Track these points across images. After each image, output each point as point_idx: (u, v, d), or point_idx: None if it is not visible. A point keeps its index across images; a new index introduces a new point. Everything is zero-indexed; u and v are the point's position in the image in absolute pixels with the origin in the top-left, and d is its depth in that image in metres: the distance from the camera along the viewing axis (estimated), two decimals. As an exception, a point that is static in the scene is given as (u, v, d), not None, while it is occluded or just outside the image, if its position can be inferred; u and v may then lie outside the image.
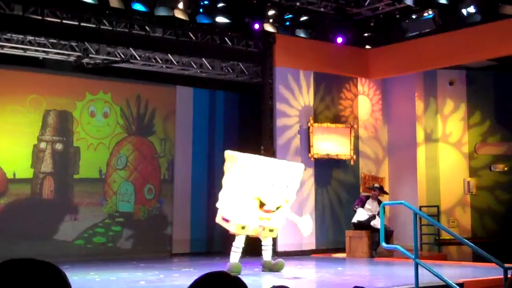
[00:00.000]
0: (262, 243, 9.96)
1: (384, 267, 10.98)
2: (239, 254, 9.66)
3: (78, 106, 13.51)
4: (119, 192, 13.84)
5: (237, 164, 9.50)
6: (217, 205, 9.66)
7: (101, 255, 12.91)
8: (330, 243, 13.94)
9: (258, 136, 13.40)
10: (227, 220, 9.57)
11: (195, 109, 14.90)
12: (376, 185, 13.56)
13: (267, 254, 9.97)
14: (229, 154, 9.61)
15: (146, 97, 14.35)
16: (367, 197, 13.11)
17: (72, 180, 13.36)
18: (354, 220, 12.87)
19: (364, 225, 12.73)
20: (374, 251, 12.55)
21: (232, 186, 9.51)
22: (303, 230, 9.91)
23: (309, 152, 13.94)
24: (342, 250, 13.06)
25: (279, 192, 9.66)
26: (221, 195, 9.60)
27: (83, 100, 13.61)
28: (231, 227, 9.56)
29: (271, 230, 9.83)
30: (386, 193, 13.75)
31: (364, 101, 15.18)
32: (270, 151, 13.21)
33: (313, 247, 13.79)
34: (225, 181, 9.60)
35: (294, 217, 10.05)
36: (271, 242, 10.04)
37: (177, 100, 14.69)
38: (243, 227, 9.53)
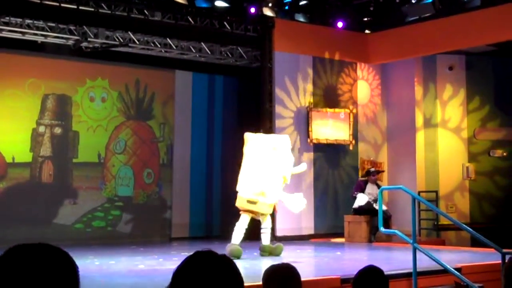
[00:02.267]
0: (261, 226, 9.94)
1: (383, 252, 10.99)
2: (241, 236, 9.61)
3: (79, 91, 13.52)
4: (118, 176, 13.86)
5: (245, 144, 9.88)
6: (237, 188, 9.79)
7: (101, 239, 12.94)
8: (329, 228, 13.97)
9: (257, 121, 13.37)
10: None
11: (194, 94, 14.88)
12: (371, 169, 13.53)
13: (266, 237, 9.95)
14: (244, 136, 9.98)
15: (145, 81, 14.33)
16: (366, 182, 13.13)
17: (71, 164, 13.37)
18: (355, 205, 12.88)
19: (364, 210, 12.75)
20: (372, 236, 12.57)
21: (244, 165, 9.81)
22: (291, 207, 9.90)
23: (308, 137, 13.94)
24: (341, 235, 13.08)
25: (275, 166, 9.79)
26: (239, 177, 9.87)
27: (84, 86, 13.60)
28: (238, 201, 9.69)
29: (270, 206, 9.81)
30: (382, 171, 13.76)
31: (363, 86, 15.15)
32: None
33: (312, 231, 13.81)
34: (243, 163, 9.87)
35: (284, 195, 9.98)
36: (270, 225, 10.02)
37: (176, 85, 14.68)
38: (247, 200, 9.65)
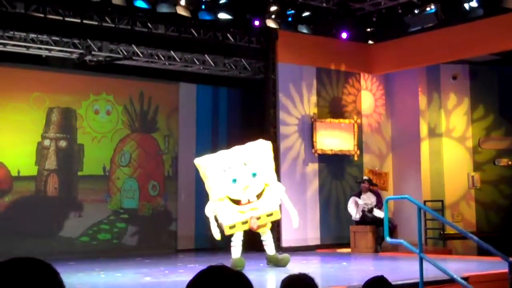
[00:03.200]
0: (262, 238, 9.89)
1: (389, 262, 10.99)
2: (240, 248, 9.59)
3: (83, 105, 13.57)
4: (123, 188, 13.88)
5: (201, 171, 9.68)
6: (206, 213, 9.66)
7: (106, 252, 12.95)
8: (335, 238, 13.96)
9: (262, 132, 13.37)
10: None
11: (198, 106, 14.93)
12: (365, 177, 13.57)
13: (269, 248, 9.90)
14: (195, 163, 9.79)
15: (149, 94, 14.37)
16: (359, 193, 13.10)
17: (76, 177, 13.39)
18: (354, 218, 12.96)
19: (365, 220, 12.74)
20: (379, 246, 12.57)
21: (210, 193, 9.59)
22: (294, 222, 9.88)
23: (313, 147, 13.95)
24: (347, 245, 13.09)
25: (249, 181, 9.53)
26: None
27: (88, 100, 13.66)
28: (224, 230, 9.53)
29: (269, 215, 9.68)
30: (375, 185, 13.74)
31: (367, 96, 15.18)
32: (274, 148, 13.15)
33: (318, 242, 13.81)
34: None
35: (289, 205, 9.89)
36: (270, 237, 9.95)
37: (180, 97, 14.73)
38: (231, 227, 9.50)
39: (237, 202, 9.48)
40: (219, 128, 15.05)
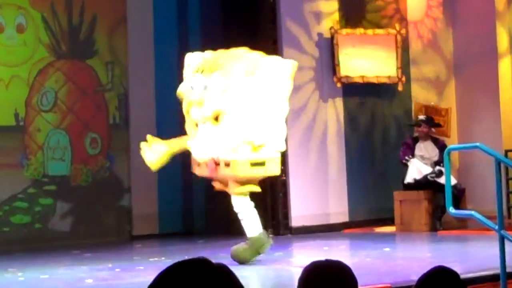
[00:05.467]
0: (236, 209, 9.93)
1: (454, 245, 11.07)
2: (253, 217, 9.67)
3: (-26, 16, 13.46)
4: (47, 145, 13.87)
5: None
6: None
7: (25, 242, 12.97)
8: (371, 211, 14.09)
9: (254, 49, 13.31)
10: None
11: (157, 12, 14.84)
12: (421, 117, 13.75)
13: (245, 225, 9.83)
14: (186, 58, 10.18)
15: (81, -3, 14.22)
16: (415, 139, 13.34)
17: (-26, 131, 13.36)
18: (408, 178, 13.08)
19: (422, 184, 12.90)
20: (437, 222, 12.70)
21: None
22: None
23: (335, 73, 13.95)
24: (390, 221, 13.26)
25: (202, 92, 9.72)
26: None
27: (-18, 6, 13.53)
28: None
29: (226, 165, 9.64)
30: (439, 126, 13.91)
31: None
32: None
33: (345, 218, 13.92)
34: None
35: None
36: (242, 202, 9.84)
37: (128, 2, 14.59)
38: (198, 164, 9.71)
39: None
40: (189, 45, 14.72)
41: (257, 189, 9.73)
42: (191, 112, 9.69)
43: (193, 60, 9.91)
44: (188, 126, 9.88)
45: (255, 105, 9.58)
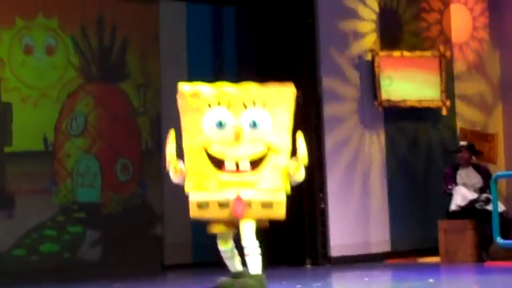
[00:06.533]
0: (244, 243, 9.56)
1: (502, 277, 10.91)
2: (232, 261, 9.36)
3: (4, 38, 13.46)
4: (76, 171, 13.83)
5: (180, 101, 9.34)
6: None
7: (54, 272, 12.97)
8: (414, 241, 14.09)
9: (293, 75, 13.20)
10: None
11: (190, 35, 14.90)
12: (462, 142, 13.73)
13: (249, 262, 9.57)
14: (179, 89, 9.46)
15: (113, 19, 14.29)
16: (455, 168, 13.30)
17: (2, 155, 13.34)
18: (452, 206, 13.00)
19: (467, 212, 12.82)
20: (484, 252, 12.64)
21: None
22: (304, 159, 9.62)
23: (375, 98, 13.96)
24: (434, 251, 13.18)
25: (244, 129, 9.18)
26: None
27: (12, 29, 13.54)
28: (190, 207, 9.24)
29: (265, 206, 9.33)
30: (479, 154, 13.88)
31: (461, 12, 15.23)
32: (313, 96, 13.38)
33: (387, 248, 13.94)
34: None
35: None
36: (254, 238, 9.60)
37: (161, 23, 14.69)
38: (201, 205, 9.25)
39: (218, 164, 9.23)
40: (223, 71, 14.89)
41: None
42: (222, 150, 9.29)
43: (200, 92, 9.49)
44: (202, 164, 9.42)
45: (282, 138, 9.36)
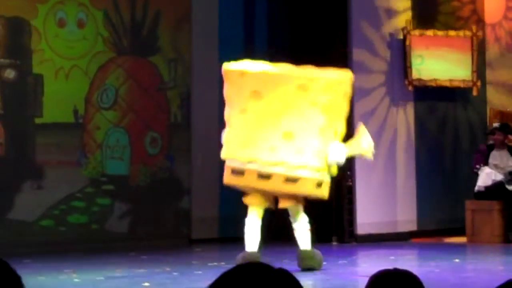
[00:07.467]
0: (294, 225, 9.80)
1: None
2: (255, 237, 9.66)
3: (40, 12, 13.52)
4: (106, 144, 13.94)
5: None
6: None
7: (81, 243, 13.05)
8: (441, 221, 14.08)
9: (323, 52, 13.22)
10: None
11: (222, 10, 14.85)
12: (496, 124, 13.74)
13: (302, 238, 9.74)
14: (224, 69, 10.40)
15: (145, -7, 14.33)
16: (490, 147, 13.28)
17: (33, 127, 13.45)
18: (478, 186, 13.02)
19: (494, 193, 12.81)
20: (511, 233, 12.64)
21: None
22: (363, 150, 9.76)
23: (406, 77, 13.96)
24: (460, 231, 13.19)
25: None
26: None
27: (47, 3, 13.60)
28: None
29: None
30: None
31: None
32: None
33: (413, 227, 13.92)
34: None
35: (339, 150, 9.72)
36: (305, 220, 9.82)
37: (193, -1, 14.70)
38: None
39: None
40: (254, 46, 14.91)
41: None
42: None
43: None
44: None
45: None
